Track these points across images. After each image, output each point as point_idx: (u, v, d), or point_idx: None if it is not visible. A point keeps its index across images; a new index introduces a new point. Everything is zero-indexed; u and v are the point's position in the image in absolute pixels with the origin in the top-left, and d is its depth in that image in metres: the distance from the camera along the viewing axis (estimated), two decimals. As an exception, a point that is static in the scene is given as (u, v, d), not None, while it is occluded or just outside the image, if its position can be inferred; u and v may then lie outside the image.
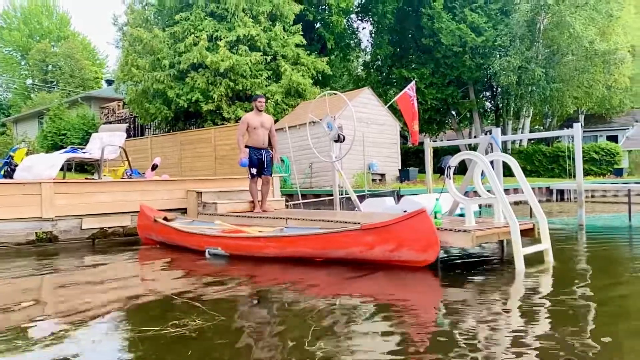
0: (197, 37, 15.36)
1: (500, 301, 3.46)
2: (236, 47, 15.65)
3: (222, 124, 15.65)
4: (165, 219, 6.66)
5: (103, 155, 8.20)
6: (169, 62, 15.69)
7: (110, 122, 22.98)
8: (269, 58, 16.15)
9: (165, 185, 8.17)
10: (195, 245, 5.85)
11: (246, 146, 6.99)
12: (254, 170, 7.08)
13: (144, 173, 9.49)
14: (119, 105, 24.77)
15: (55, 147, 19.61)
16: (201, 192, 7.87)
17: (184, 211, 8.06)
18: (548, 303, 3.34)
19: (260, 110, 7.01)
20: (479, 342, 2.56)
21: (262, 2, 16.34)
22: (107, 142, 8.45)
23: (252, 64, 15.57)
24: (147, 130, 21.88)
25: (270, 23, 16.78)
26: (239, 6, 15.76)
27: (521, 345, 2.50)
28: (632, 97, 25.71)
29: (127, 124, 13.99)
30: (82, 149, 8.94)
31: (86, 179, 9.48)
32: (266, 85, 15.98)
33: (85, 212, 7.13)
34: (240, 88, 15.74)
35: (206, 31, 15.49)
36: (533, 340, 2.56)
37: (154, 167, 10.39)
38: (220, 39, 15.40)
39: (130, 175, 8.90)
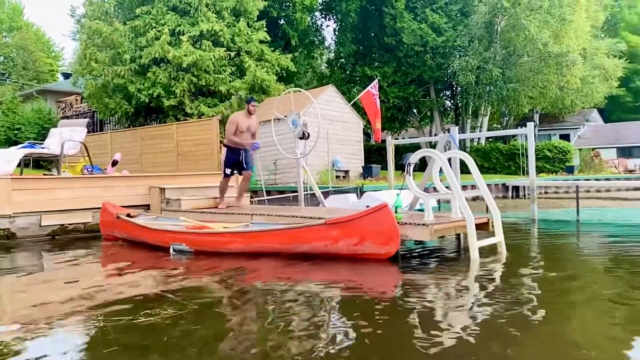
0: (159, 31, 15.13)
1: (456, 287, 3.68)
2: (199, 43, 15.50)
3: (185, 120, 15.49)
4: (128, 215, 6.61)
5: (63, 150, 8.03)
6: (129, 57, 15.39)
7: (67, 117, 22.31)
8: (232, 54, 16.08)
9: (127, 182, 8.08)
10: (159, 242, 5.84)
11: (225, 145, 6.99)
12: (228, 171, 7.08)
13: (105, 169, 9.33)
14: (76, 100, 24.04)
15: (9, 142, 18.90)
16: (164, 189, 7.83)
17: (146, 208, 7.99)
18: (499, 287, 3.60)
19: (251, 114, 7.02)
20: (436, 321, 2.74)
21: (225, -3, 16.23)
22: (67, 137, 8.27)
23: (215, 59, 15.46)
24: (106, 125, 21.37)
25: (234, 19, 16.70)
26: (202, 1, 15.61)
27: (475, 322, 2.70)
28: (583, 98, 26.89)
29: (87, 119, 13.64)
30: (40, 144, 8.72)
31: (44, 175, 9.24)
32: (230, 81, 15.91)
33: (44, 209, 6.98)
34: (204, 83, 15.61)
35: (168, 26, 15.27)
36: (485, 317, 2.76)
37: (115, 163, 10.21)
38: (183, 34, 15.22)
39: (91, 171, 8.74)
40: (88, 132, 12.95)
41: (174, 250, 5.52)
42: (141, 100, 15.62)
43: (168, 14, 15.72)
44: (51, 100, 25.84)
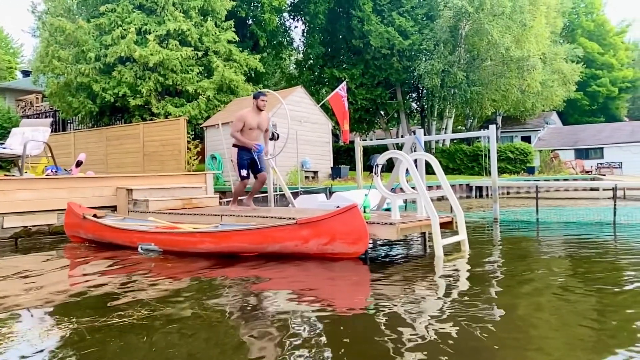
0: (125, 30, 14.88)
1: (421, 283, 3.82)
2: (166, 42, 15.32)
3: (151, 120, 15.28)
4: (95, 216, 6.53)
5: (25, 151, 7.83)
6: (94, 55, 15.07)
7: (28, 116, 21.62)
8: (200, 53, 15.95)
9: (93, 182, 7.95)
10: (127, 242, 5.80)
11: (236, 146, 6.46)
12: (244, 172, 6.52)
13: (70, 170, 9.13)
14: (37, 98, 23.33)
15: (-36, 141, 18.16)
16: (132, 190, 7.75)
17: (113, 209, 7.88)
18: (461, 283, 3.77)
19: (261, 110, 6.47)
20: (401, 314, 2.87)
21: (193, -4, 16.09)
22: (29, 137, 8.08)
23: (182, 59, 15.31)
24: (69, 125, 20.83)
25: (202, 18, 16.57)
26: (169, 0, 15.44)
27: (438, 316, 2.83)
28: (543, 101, 27.82)
29: (50, 119, 13.28)
30: (1, 144, 8.48)
31: (5, 175, 8.98)
32: (197, 81, 15.77)
33: (6, 211, 6.81)
34: (170, 83, 15.43)
35: (134, 24, 15.03)
36: (448, 311, 2.90)
37: (79, 164, 9.99)
38: (150, 33, 15.01)
39: (56, 172, 8.54)
40: (50, 131, 12.60)
41: (142, 250, 5.50)
42: (106, 99, 15.32)
43: (134, 12, 15.47)
44: (10, 99, 24.98)
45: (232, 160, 6.43)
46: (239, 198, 6.99)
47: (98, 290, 3.86)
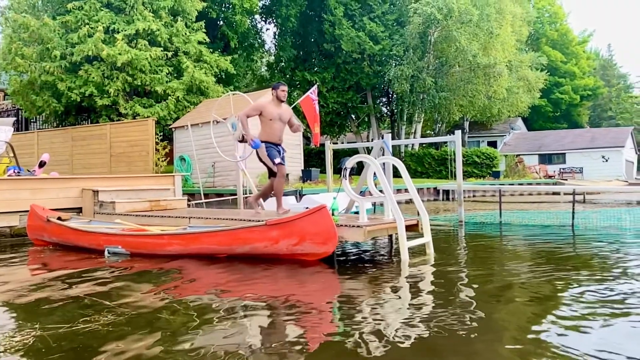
0: (92, 28, 14.60)
1: (386, 286, 3.92)
2: (135, 41, 15.10)
3: (119, 120, 15.03)
4: (59, 218, 6.40)
5: (-14, 150, 7.61)
6: (60, 53, 14.72)
7: (-12, 114, 20.90)
8: (170, 54, 15.78)
9: (58, 184, 7.79)
10: (93, 245, 5.72)
11: (263, 141, 5.92)
12: (278, 160, 5.88)
13: (33, 170, 8.90)
14: (-2, 96, 22.60)
15: None
16: (98, 191, 7.63)
17: (78, 211, 7.74)
18: (424, 284, 3.88)
19: (282, 101, 6.00)
20: (368, 317, 2.95)
21: (163, -4, 15.91)
22: (-10, 136, 7.85)
23: (152, 59, 15.11)
24: (32, 124, 20.25)
25: (172, 18, 16.40)
26: (138, -1, 15.24)
27: (405, 318, 2.93)
28: (509, 107, 28.57)
29: (12, 118, 12.90)
30: (-40, 143, 8.21)
31: (-36, 176, 8.69)
32: (167, 82, 15.60)
33: (-35, 212, 6.61)
34: (139, 83, 15.21)
35: (102, 23, 14.76)
36: (414, 313, 3.00)
37: (42, 164, 9.76)
38: (118, 32, 14.77)
39: (18, 172, 8.32)
40: (12, 131, 12.24)
41: (109, 253, 5.43)
42: (72, 98, 14.98)
43: (102, 10, 15.19)
44: (-31, 96, 24.09)
45: (260, 159, 5.98)
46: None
47: (62, 295, 3.80)
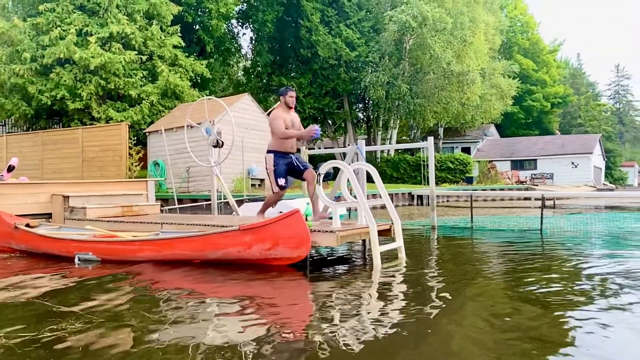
0: (64, 30, 14.36)
1: (356, 289, 3.97)
2: (109, 44, 14.91)
3: (92, 124, 14.79)
4: (27, 225, 6.26)
5: (-49, 155, 7.40)
6: (30, 55, 14.43)
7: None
8: (144, 58, 15.63)
9: (27, 189, 7.62)
10: (64, 252, 5.61)
11: (272, 151, 5.69)
12: (282, 181, 5.69)
13: (1, 175, 8.69)
14: (-35, 99, 21.95)
15: None
16: (68, 196, 7.49)
17: (48, 217, 7.58)
18: (395, 288, 3.95)
19: (290, 107, 5.77)
20: (340, 321, 2.99)
21: (137, 0, 15.76)
22: (-44, 140, 7.64)
23: (126, 62, 14.94)
24: (1, 127, 19.77)
25: (147, 22, 16.26)
26: (112, 2, 15.05)
27: (376, 321, 2.98)
28: (482, 114, 29.17)
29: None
30: None
31: None
32: (141, 85, 15.44)
33: None
34: (113, 87, 15.02)
35: (75, 25, 14.54)
36: (384, 316, 3.05)
37: (10, 169, 9.53)
38: (91, 35, 14.56)
39: (-15, 177, 8.12)
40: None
41: (80, 260, 5.34)
42: (43, 102, 14.70)
43: (75, 12, 14.96)
44: None
45: (266, 170, 5.76)
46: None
47: (29, 303, 3.73)
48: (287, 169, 5.70)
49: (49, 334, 2.84)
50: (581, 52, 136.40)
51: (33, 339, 2.76)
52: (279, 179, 5.66)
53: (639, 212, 11.80)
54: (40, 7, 14.87)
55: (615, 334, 2.77)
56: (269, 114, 14.92)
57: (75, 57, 13.92)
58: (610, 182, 41.03)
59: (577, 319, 3.04)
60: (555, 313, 3.20)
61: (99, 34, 14.63)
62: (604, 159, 37.49)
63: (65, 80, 14.39)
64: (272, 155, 5.67)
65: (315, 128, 5.56)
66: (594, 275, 4.40)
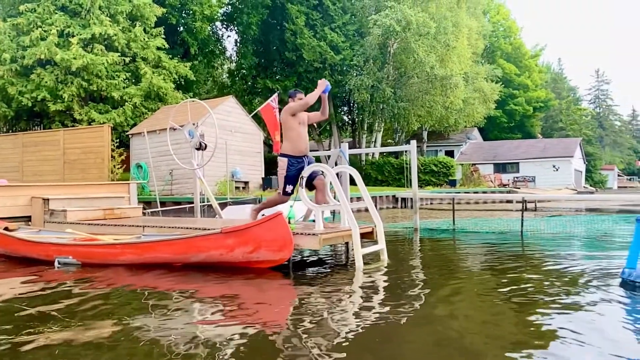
0: (45, 31, 14.19)
1: (337, 290, 4.00)
2: (91, 46, 14.77)
3: (73, 126, 14.62)
4: (6, 229, 6.17)
5: None
6: (10, 56, 14.24)
7: None
8: (127, 59, 15.52)
9: (5, 192, 7.51)
10: (43, 256, 5.54)
11: (285, 155, 5.52)
12: (289, 188, 5.51)
13: (-22, 178, 8.56)
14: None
15: None
16: (48, 199, 7.40)
17: (28, 220, 7.49)
18: (377, 291, 3.99)
19: None
20: (322, 322, 3.01)
21: (120, 1, 15.64)
22: None
23: (108, 64, 14.82)
24: (-21, 129, 19.40)
25: (130, 23, 16.14)
26: (95, 3, 14.92)
27: (358, 321, 3.01)
28: (465, 118, 29.49)
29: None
30: None
31: None
32: (124, 87, 15.32)
33: None
34: (95, 89, 14.87)
35: (56, 26, 14.38)
36: (366, 315, 3.09)
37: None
38: (73, 36, 14.42)
39: (-38, 179, 7.99)
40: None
41: (59, 264, 5.28)
42: (23, 103, 14.51)
43: (56, 13, 14.80)
44: None
45: (278, 173, 5.64)
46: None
47: (7, 307, 3.69)
48: (298, 175, 5.50)
49: (26, 337, 2.82)
50: (562, 57, 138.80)
51: (10, 342, 2.74)
52: (287, 186, 5.53)
53: (617, 215, 12.04)
54: (20, 7, 14.69)
55: (583, 336, 2.84)
56: (253, 116, 14.91)
57: (57, 58, 13.77)
58: (590, 185, 41.74)
59: (549, 318, 3.11)
60: (530, 311, 3.27)
61: (81, 35, 14.49)
62: (585, 162, 38.14)
63: (46, 82, 14.22)
64: (285, 159, 5.52)
65: (325, 82, 5.74)
66: (566, 275, 4.49)
